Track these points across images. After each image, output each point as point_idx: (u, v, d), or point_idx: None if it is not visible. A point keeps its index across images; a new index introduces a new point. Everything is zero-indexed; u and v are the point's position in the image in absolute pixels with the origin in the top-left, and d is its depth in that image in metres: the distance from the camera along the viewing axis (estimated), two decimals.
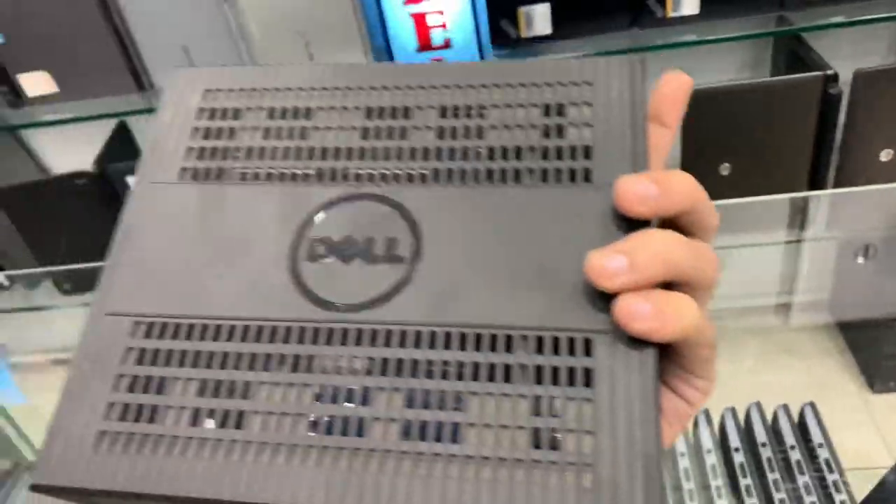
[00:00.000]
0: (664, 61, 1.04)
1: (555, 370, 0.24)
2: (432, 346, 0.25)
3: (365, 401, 0.25)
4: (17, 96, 1.05)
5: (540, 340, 0.25)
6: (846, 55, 0.95)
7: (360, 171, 0.29)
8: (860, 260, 1.05)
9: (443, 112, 0.29)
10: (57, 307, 1.27)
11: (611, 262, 0.24)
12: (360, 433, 0.24)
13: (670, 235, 0.25)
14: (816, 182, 0.96)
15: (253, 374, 0.26)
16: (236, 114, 0.30)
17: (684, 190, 0.26)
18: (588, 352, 0.24)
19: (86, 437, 0.26)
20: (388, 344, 0.25)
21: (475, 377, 0.24)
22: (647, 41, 0.92)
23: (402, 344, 0.25)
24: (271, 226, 0.28)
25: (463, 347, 0.25)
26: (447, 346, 0.25)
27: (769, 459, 0.62)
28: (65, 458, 0.26)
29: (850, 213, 1.02)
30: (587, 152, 0.28)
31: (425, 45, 0.90)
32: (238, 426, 0.25)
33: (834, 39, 0.98)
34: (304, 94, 0.30)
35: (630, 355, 0.24)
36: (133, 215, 0.30)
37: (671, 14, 0.90)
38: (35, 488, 0.26)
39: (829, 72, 0.89)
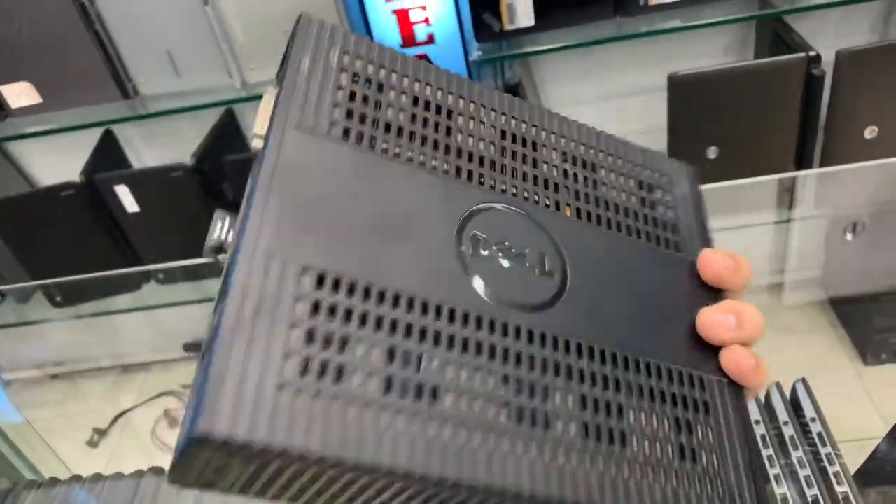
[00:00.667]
0: (650, 45, 1.05)
1: (683, 399, 0.29)
2: (592, 358, 0.28)
3: (545, 397, 0.26)
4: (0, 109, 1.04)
5: (670, 373, 0.30)
6: (829, 36, 0.96)
7: (497, 183, 0.31)
8: (849, 237, 1.06)
9: (564, 157, 0.33)
10: (49, 320, 1.27)
11: (725, 319, 0.31)
12: (546, 426, 0.26)
13: (756, 307, 0.32)
14: (803, 162, 0.97)
15: (440, 352, 0.25)
16: (380, 87, 0.31)
17: (748, 274, 0.34)
18: (703, 388, 0.30)
19: (264, 388, 0.22)
20: (557, 348, 0.28)
21: (630, 393, 0.28)
22: (631, 29, 0.92)
23: (567, 350, 0.28)
24: (435, 212, 0.29)
25: (617, 365, 0.29)
26: (604, 361, 0.28)
27: (763, 436, 0.63)
28: (239, 409, 0.21)
29: (837, 190, 1.03)
30: (674, 228, 0.34)
31: (409, 40, 0.90)
32: (434, 400, 0.24)
33: (816, 21, 0.99)
34: (444, 95, 0.32)
35: (732, 394, 0.31)
36: (285, 159, 0.27)
37: (654, 1, 0.90)
38: (194, 443, 0.21)
39: (812, 53, 0.90)
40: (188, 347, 1.52)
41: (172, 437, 1.34)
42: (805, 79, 0.91)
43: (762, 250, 1.14)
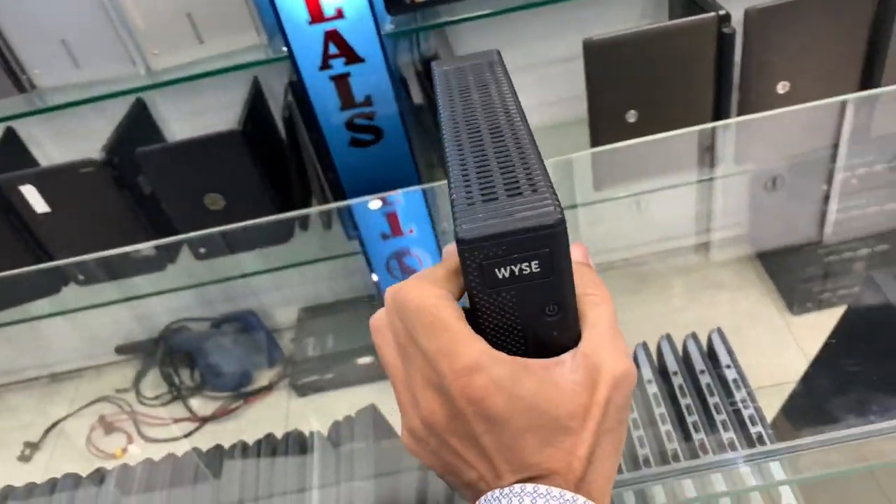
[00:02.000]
0: (567, 12, 1.04)
1: None
2: None
3: None
4: None
5: None
6: None
7: None
8: (769, 190, 1.08)
9: None
10: None
11: None
12: None
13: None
14: (719, 119, 0.98)
15: None
16: None
17: None
18: None
19: None
20: None
21: None
22: None
23: None
24: None
25: None
26: None
27: (681, 386, 0.64)
28: None
29: (754, 145, 1.04)
30: None
31: (316, 16, 0.87)
32: None
33: None
34: None
35: None
36: None
37: None
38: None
39: (722, 12, 0.90)
40: (121, 350, 1.47)
41: (110, 443, 1.29)
42: (717, 38, 0.91)
43: (688, 209, 1.16)
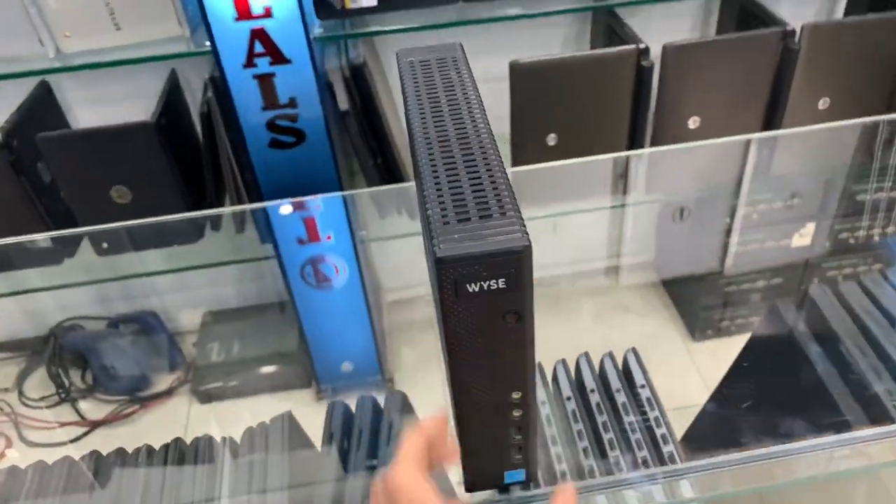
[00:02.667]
0: (492, 35, 1.06)
1: None
2: None
3: None
4: None
5: None
6: (657, 31, 1.01)
7: None
8: (676, 220, 1.13)
9: None
10: None
11: None
12: None
13: None
14: (634, 148, 1.02)
15: None
16: None
17: None
18: None
19: None
20: None
21: None
22: (473, 15, 0.93)
23: None
24: None
25: None
26: None
27: (598, 404, 0.66)
28: None
29: (665, 176, 1.09)
30: None
31: (244, 13, 0.85)
32: None
33: (646, 16, 1.04)
34: None
35: None
36: None
37: None
38: None
39: (642, 45, 0.94)
40: (2, 347, 1.37)
41: None
42: (636, 70, 0.95)
43: (601, 234, 1.19)
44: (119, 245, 1.10)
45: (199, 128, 1.04)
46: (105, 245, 1.10)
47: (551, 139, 0.99)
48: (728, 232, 1.14)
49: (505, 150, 1.02)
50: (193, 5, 0.88)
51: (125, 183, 1.01)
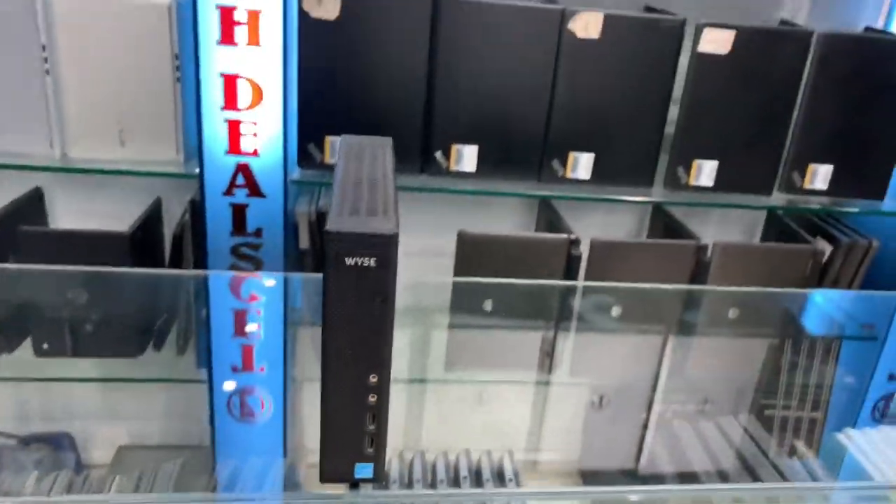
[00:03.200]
0: (448, 205, 1.20)
1: None
2: None
3: None
4: None
5: None
6: (591, 225, 1.17)
7: None
8: (596, 408, 1.19)
9: None
10: None
11: None
12: None
13: None
14: (558, 331, 1.11)
15: None
16: None
17: None
18: None
19: None
20: None
21: None
22: (433, 185, 1.07)
23: None
24: None
25: None
26: None
27: None
28: None
29: (588, 361, 1.17)
30: None
31: (235, 148, 0.98)
32: None
33: (583, 212, 1.20)
34: None
35: None
36: None
37: (454, 168, 1.06)
38: None
39: (573, 236, 1.08)
40: None
41: None
42: (567, 257, 1.08)
43: (524, 411, 1.23)
44: (59, 348, 1.12)
45: (167, 249, 1.13)
46: (45, 346, 1.12)
47: (488, 304, 1.09)
48: (644, 426, 1.20)
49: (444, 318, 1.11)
50: (193, 137, 1.01)
51: (85, 285, 1.07)
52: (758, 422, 1.21)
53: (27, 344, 1.12)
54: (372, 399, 0.46)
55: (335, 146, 1.04)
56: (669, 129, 1.07)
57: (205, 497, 0.63)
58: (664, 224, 1.21)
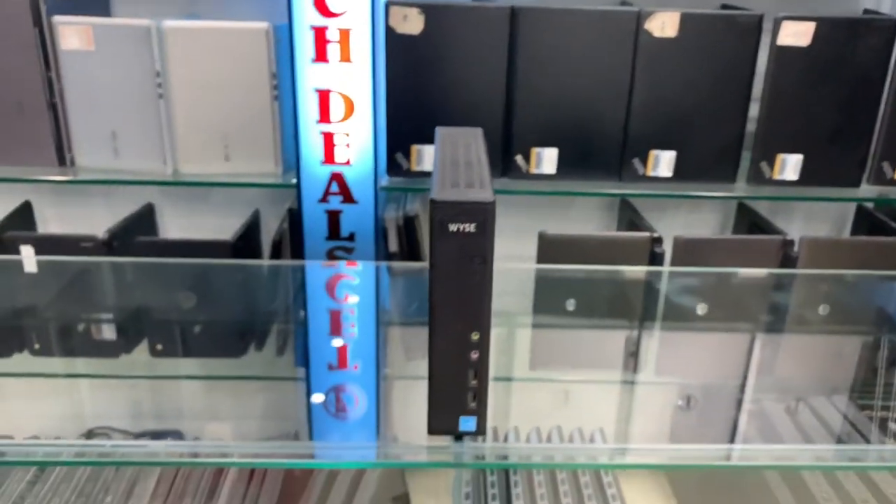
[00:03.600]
0: (529, 208, 1.23)
1: None
2: None
3: None
4: None
5: None
6: (673, 223, 1.18)
7: None
8: (683, 409, 1.19)
9: None
10: None
11: None
12: None
13: None
14: (643, 328, 1.12)
15: None
16: None
17: None
18: None
19: None
20: None
21: None
22: (513, 188, 1.11)
23: None
24: None
25: None
26: None
27: None
28: None
29: (673, 360, 1.17)
30: None
31: (329, 158, 1.05)
32: None
33: (665, 211, 1.21)
34: None
35: None
36: None
37: (534, 170, 1.10)
38: None
39: (656, 234, 1.10)
40: None
41: None
42: (650, 255, 1.09)
43: (609, 409, 1.24)
44: (171, 349, 1.22)
45: (266, 255, 1.21)
46: (159, 347, 1.22)
47: (570, 304, 1.11)
48: (734, 427, 1.19)
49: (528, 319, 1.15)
50: (290, 151, 1.09)
51: (193, 289, 1.16)
52: (853, 421, 1.17)
53: (143, 346, 1.22)
54: (474, 355, 0.51)
55: (421, 154, 1.09)
56: (751, 124, 1.08)
57: (305, 445, 0.69)
58: (749, 221, 1.21)
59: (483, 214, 0.48)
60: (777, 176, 1.09)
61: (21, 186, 1.25)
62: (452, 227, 0.48)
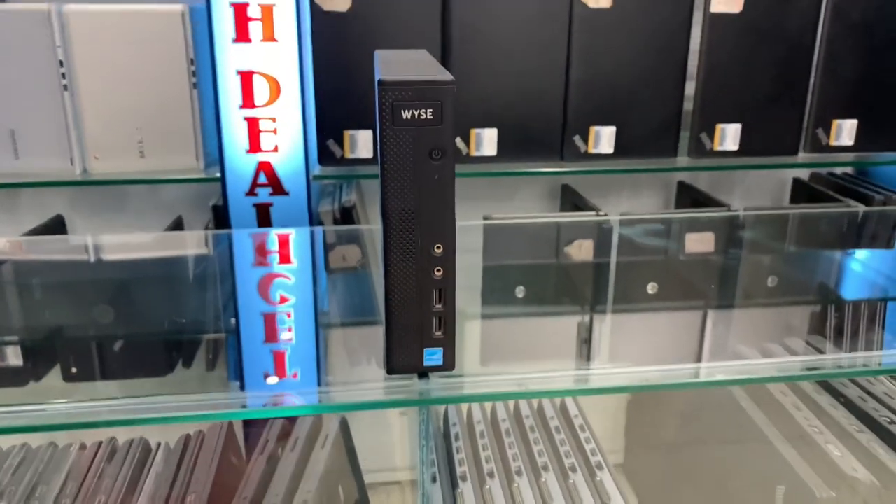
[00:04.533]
0: (469, 188, 1.19)
1: None
2: None
3: None
4: None
5: None
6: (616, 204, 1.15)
7: None
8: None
9: None
10: None
11: None
12: None
13: None
14: (593, 318, 1.08)
15: None
16: None
17: None
18: None
19: None
20: None
21: None
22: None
23: None
24: None
25: None
26: None
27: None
28: None
29: (628, 346, 1.14)
30: None
31: (255, 146, 0.98)
32: None
33: (605, 193, 1.19)
34: None
35: None
36: None
37: (473, 153, 1.06)
38: None
39: (602, 213, 1.07)
40: None
41: None
42: (597, 232, 1.06)
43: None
44: (87, 372, 1.10)
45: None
46: (74, 370, 1.10)
47: (519, 291, 1.06)
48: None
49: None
50: (212, 143, 1.01)
51: (110, 303, 1.05)
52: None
53: (56, 371, 1.11)
54: (438, 273, 0.43)
55: (355, 140, 1.04)
56: (690, 95, 1.07)
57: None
58: (691, 197, 1.19)
59: (441, 97, 0.41)
60: (718, 147, 1.08)
61: None
62: (406, 114, 0.41)
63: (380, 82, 0.41)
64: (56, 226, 1.15)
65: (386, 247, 0.43)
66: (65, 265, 1.06)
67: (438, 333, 0.45)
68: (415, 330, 0.45)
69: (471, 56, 1.01)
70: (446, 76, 0.42)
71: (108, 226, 1.19)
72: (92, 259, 1.08)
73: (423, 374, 0.47)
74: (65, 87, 0.98)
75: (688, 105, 1.08)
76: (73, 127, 1.00)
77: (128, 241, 1.15)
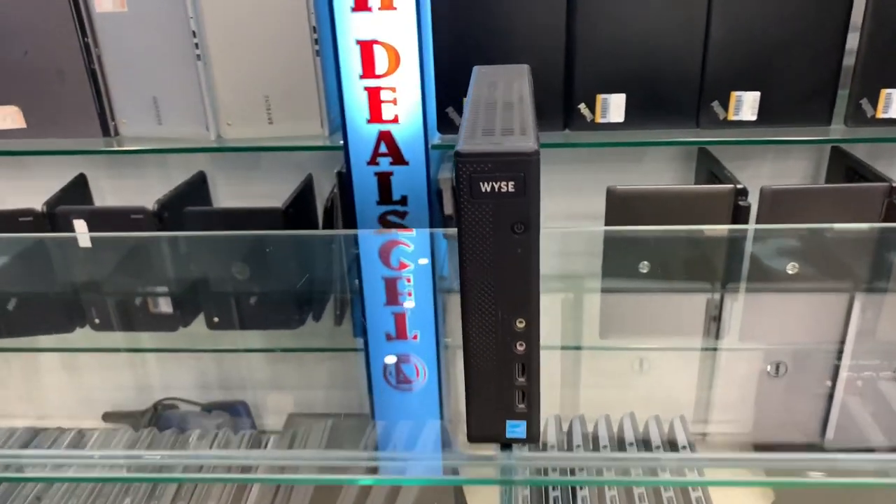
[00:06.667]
0: (597, 157, 1.14)
1: None
2: None
3: None
4: None
5: None
6: (758, 174, 1.06)
7: None
8: (772, 376, 1.08)
9: None
10: None
11: None
12: None
13: None
14: (726, 288, 1.02)
15: None
16: None
17: None
18: None
19: None
20: None
21: None
22: (577, 140, 1.01)
23: None
24: None
25: None
26: None
27: None
28: None
29: (761, 324, 1.06)
30: None
31: (376, 116, 0.98)
32: None
33: (748, 160, 1.09)
34: None
35: None
36: None
37: (599, 119, 1.00)
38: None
39: (740, 186, 0.98)
40: (107, 417, 1.45)
41: None
42: (733, 209, 0.98)
43: (689, 378, 1.15)
44: (228, 321, 1.19)
45: (319, 222, 1.16)
46: (216, 319, 1.20)
47: (643, 266, 1.02)
48: (830, 398, 1.07)
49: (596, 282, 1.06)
50: (336, 110, 1.02)
51: (247, 261, 1.12)
52: None
53: (201, 318, 1.21)
54: (520, 348, 0.41)
55: None
56: (850, 57, 0.94)
57: (356, 455, 0.63)
58: (845, 167, 1.07)
59: (523, 168, 0.37)
60: (881, 114, 0.95)
61: (75, 158, 1.24)
62: (484, 187, 0.38)
63: (457, 153, 0.38)
64: (199, 182, 1.23)
65: (465, 317, 0.41)
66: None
67: (521, 406, 0.43)
68: (496, 401, 0.43)
69: (598, 12, 0.94)
70: (529, 143, 0.38)
71: (245, 182, 1.25)
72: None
73: (506, 445, 0.45)
74: (198, 57, 1.02)
75: (847, 62, 0.95)
76: (206, 94, 1.04)
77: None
